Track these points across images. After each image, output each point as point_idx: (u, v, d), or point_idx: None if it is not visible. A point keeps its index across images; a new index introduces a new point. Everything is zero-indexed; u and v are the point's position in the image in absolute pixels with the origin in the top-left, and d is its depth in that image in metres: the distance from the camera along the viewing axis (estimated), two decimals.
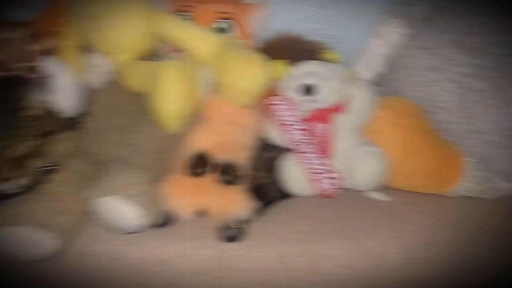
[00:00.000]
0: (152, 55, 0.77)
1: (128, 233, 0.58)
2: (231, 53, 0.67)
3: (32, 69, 0.70)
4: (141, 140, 0.62)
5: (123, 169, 0.57)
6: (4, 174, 0.63)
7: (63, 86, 0.69)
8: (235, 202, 0.63)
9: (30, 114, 0.67)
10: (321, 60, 0.74)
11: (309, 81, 0.70)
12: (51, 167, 0.70)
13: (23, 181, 0.66)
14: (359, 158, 0.68)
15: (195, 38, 0.69)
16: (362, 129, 0.73)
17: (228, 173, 0.65)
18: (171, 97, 0.60)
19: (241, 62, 0.66)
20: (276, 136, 0.73)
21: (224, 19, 0.78)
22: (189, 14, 0.76)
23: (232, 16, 0.79)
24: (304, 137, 0.70)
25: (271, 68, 0.71)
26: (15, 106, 0.66)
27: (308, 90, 0.70)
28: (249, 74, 0.65)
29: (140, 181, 0.55)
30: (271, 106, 0.71)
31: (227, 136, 0.69)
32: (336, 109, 0.71)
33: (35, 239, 0.56)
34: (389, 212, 0.69)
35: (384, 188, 0.73)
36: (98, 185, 0.56)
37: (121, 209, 0.54)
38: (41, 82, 0.68)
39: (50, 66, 0.69)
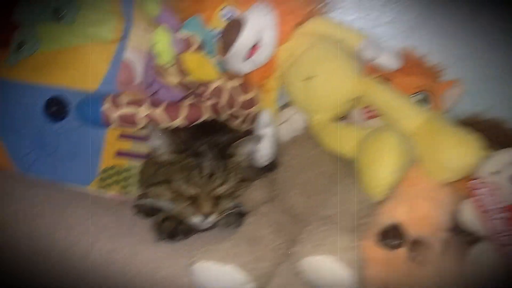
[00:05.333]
0: (344, 117, 0.79)
1: None
2: (441, 128, 0.65)
3: (243, 117, 0.76)
4: (347, 202, 0.61)
5: (331, 229, 0.56)
6: (206, 209, 0.67)
7: (266, 136, 0.72)
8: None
9: (237, 160, 0.71)
10: None
11: None
12: (241, 210, 0.73)
13: (214, 218, 0.70)
14: None
15: (405, 108, 0.68)
16: None
17: (416, 250, 0.62)
18: (390, 167, 0.60)
19: (453, 138, 0.63)
20: (473, 222, 0.68)
21: (421, 91, 0.78)
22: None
23: (428, 89, 0.79)
24: (507, 229, 0.64)
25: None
26: (225, 150, 0.71)
27: None
28: (461, 152, 0.62)
29: (353, 244, 0.54)
30: (473, 189, 0.67)
31: (422, 212, 0.65)
32: None
33: (233, 279, 0.57)
34: None
35: None
36: (305, 241, 0.56)
37: (335, 271, 0.52)
38: (249, 132, 0.73)
39: (260, 116, 0.74)
